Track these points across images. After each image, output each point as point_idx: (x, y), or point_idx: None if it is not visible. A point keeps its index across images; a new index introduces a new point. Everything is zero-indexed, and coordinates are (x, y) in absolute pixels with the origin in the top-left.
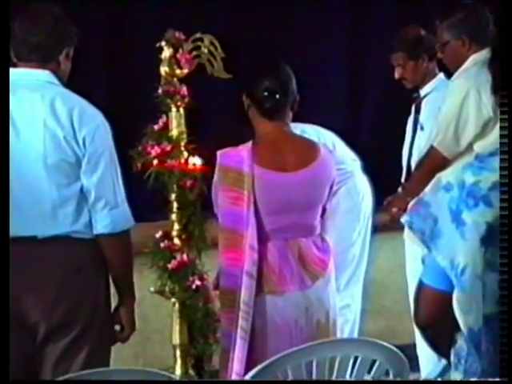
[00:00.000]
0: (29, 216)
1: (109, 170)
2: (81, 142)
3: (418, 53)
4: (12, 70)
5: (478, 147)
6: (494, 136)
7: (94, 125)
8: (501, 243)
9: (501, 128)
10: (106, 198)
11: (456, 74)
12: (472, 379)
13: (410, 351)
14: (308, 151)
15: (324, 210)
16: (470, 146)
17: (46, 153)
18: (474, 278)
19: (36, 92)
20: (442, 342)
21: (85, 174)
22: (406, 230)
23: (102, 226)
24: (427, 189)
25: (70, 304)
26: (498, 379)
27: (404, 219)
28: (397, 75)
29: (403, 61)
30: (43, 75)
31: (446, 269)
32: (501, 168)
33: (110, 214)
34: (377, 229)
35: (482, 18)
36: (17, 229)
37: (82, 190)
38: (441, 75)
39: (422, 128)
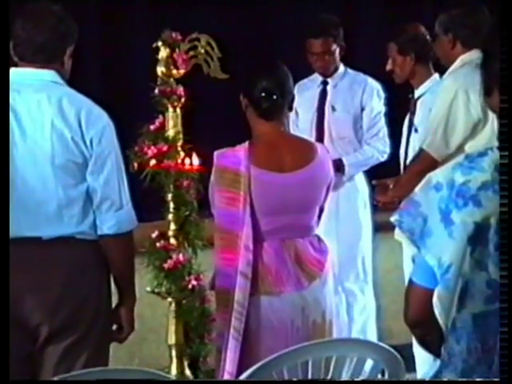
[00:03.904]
0: (34, 216)
1: (115, 171)
2: (88, 143)
3: (407, 49)
4: (16, 70)
5: (469, 148)
6: (483, 137)
7: (101, 125)
8: (501, 242)
9: (501, 127)
10: (111, 199)
11: (445, 76)
12: (465, 379)
13: (406, 351)
14: (305, 152)
15: (321, 211)
16: (460, 148)
17: (54, 153)
18: (458, 276)
19: (42, 92)
20: (432, 340)
21: (91, 174)
22: (396, 229)
23: (107, 226)
24: (417, 188)
25: (74, 305)
26: (496, 379)
27: (394, 218)
28: (388, 66)
29: (393, 53)
30: (48, 75)
31: (433, 267)
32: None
33: (115, 215)
34: (373, 229)
35: (477, 20)
36: (22, 229)
37: (87, 190)
38: (435, 76)
39: (416, 130)
